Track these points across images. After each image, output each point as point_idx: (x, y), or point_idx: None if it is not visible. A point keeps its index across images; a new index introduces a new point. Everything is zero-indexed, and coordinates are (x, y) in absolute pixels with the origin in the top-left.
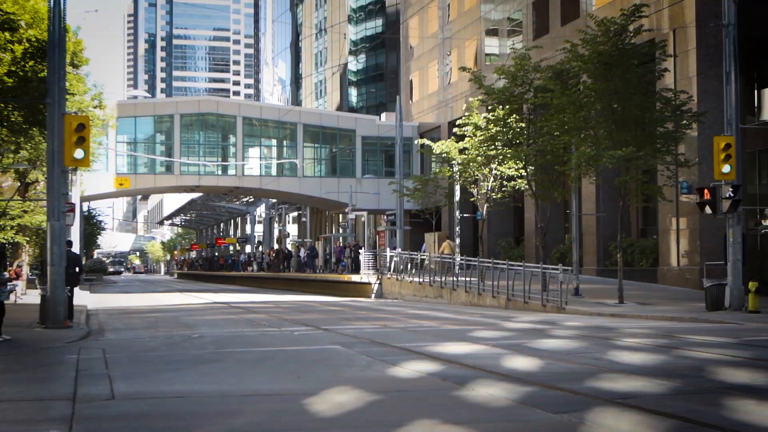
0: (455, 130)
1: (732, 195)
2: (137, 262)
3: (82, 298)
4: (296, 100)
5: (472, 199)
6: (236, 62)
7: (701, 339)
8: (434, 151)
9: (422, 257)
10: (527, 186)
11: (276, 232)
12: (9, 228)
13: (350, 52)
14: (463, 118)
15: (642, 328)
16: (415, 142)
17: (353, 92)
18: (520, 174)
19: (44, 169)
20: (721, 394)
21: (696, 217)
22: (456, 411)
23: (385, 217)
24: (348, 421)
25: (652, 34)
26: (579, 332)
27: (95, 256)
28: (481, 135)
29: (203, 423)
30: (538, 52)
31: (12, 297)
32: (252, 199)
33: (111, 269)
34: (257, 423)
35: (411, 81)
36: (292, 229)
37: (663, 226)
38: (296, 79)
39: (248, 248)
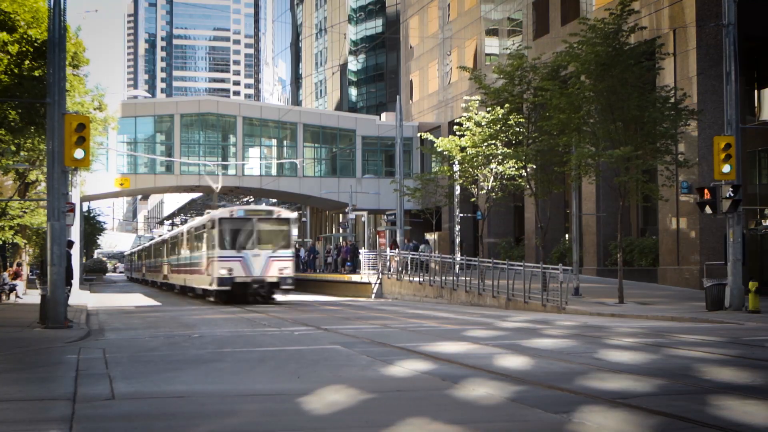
0: (456, 128)
1: (732, 195)
2: None
3: (82, 298)
4: (296, 100)
5: (473, 199)
6: (236, 62)
7: (701, 339)
8: (436, 146)
9: (422, 257)
10: (527, 185)
11: None
12: (8, 228)
13: (350, 52)
14: (462, 118)
15: (641, 327)
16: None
17: (353, 92)
18: (521, 174)
19: (44, 169)
20: (718, 394)
21: (696, 217)
22: (453, 410)
23: (385, 216)
24: (347, 421)
25: (652, 33)
26: (577, 331)
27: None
28: (481, 133)
29: (203, 423)
30: (535, 50)
31: (12, 297)
32: (252, 199)
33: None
34: (258, 423)
35: (411, 81)
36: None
37: (663, 226)
38: (296, 79)
39: None
